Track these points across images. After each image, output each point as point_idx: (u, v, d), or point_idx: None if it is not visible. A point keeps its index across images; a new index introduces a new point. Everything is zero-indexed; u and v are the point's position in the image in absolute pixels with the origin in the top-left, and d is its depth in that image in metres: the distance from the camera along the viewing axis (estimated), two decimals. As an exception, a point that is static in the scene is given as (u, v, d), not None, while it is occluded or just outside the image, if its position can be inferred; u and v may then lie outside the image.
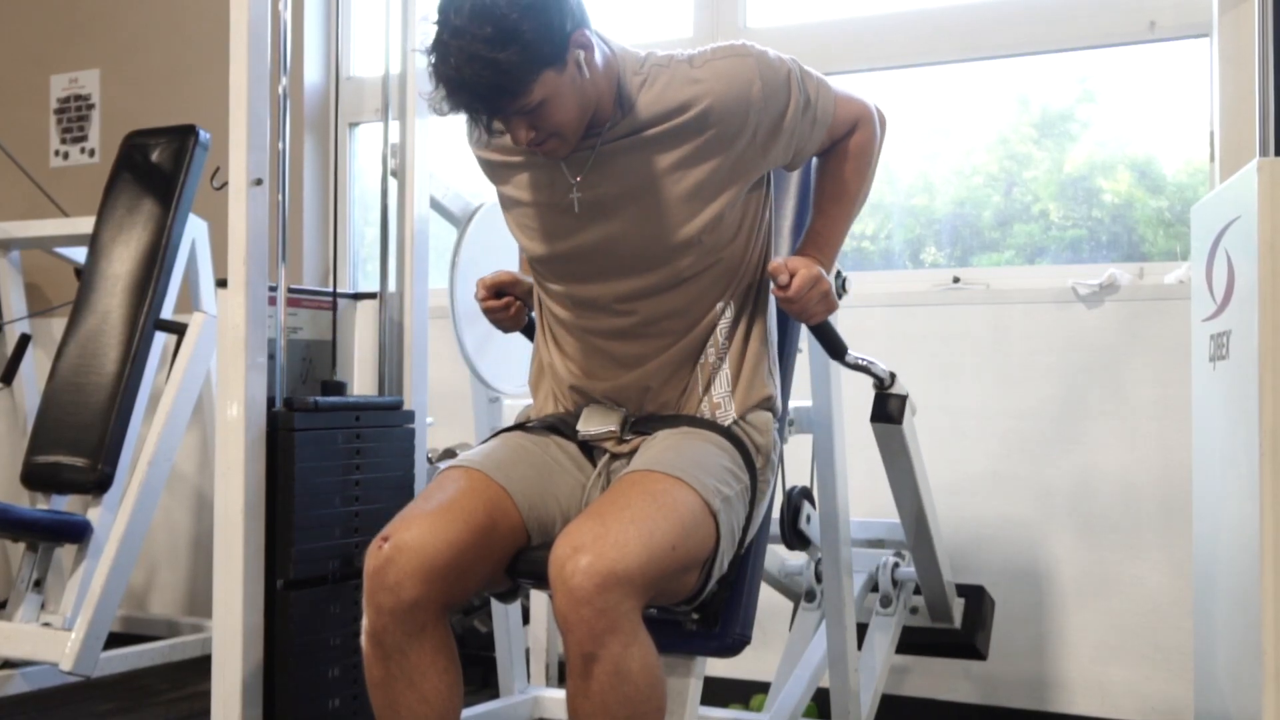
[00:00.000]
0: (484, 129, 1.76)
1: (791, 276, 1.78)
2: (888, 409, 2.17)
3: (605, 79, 1.76)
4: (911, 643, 2.60)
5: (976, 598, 2.62)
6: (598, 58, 1.74)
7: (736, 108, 1.77)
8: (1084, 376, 2.78)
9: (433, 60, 1.65)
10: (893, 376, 2.11)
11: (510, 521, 1.75)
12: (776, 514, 2.15)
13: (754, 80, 1.78)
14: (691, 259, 1.82)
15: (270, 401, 2.25)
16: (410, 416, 2.47)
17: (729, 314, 1.87)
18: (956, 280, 2.95)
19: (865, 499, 2.55)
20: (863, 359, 2.02)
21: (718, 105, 1.77)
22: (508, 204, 1.93)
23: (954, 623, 2.58)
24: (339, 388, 2.46)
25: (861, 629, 2.51)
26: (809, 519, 2.28)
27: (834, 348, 1.97)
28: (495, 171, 1.93)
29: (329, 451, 2.29)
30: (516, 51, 1.61)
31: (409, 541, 1.65)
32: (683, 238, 1.80)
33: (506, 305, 1.99)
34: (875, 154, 1.96)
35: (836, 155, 1.93)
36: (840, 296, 2.21)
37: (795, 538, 2.27)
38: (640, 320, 1.85)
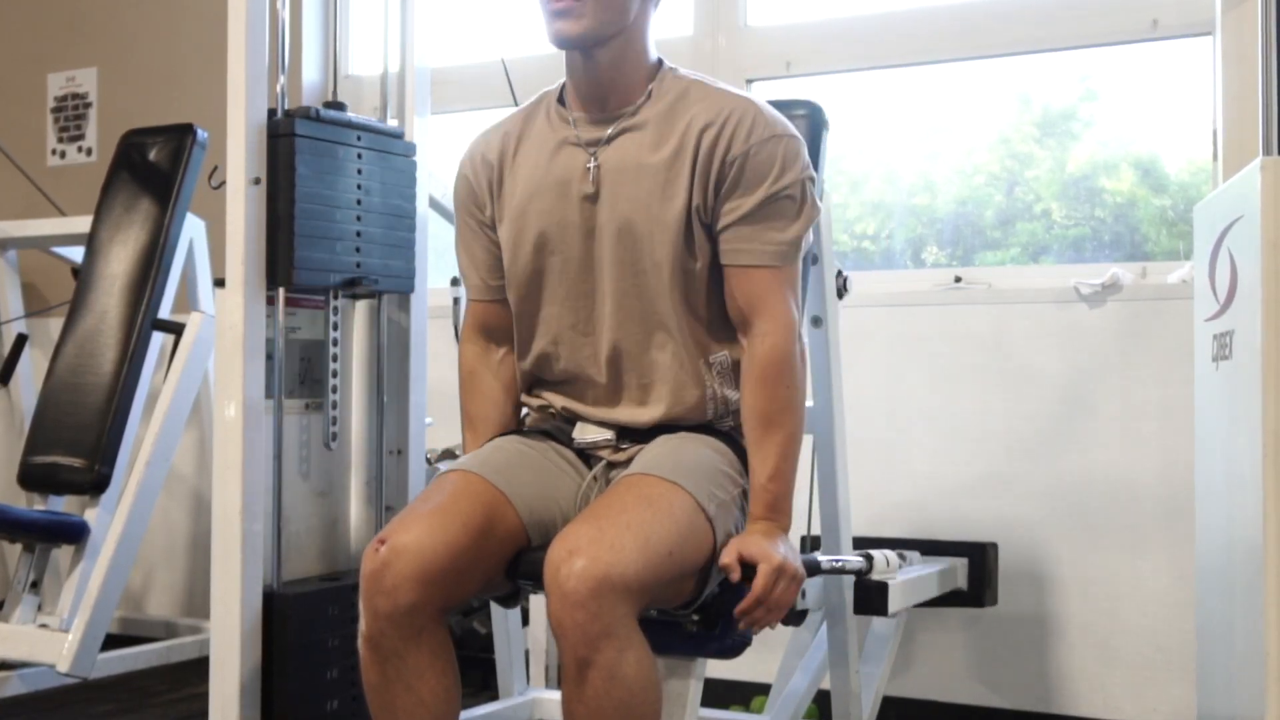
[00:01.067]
0: None
1: (746, 572, 1.65)
2: (872, 603, 2.05)
3: (643, 41, 1.81)
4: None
5: (979, 555, 2.60)
6: (647, 31, 1.80)
7: (719, 142, 1.76)
8: (1086, 376, 2.77)
9: None
10: (869, 561, 1.97)
11: (508, 525, 1.74)
12: None
13: (755, 137, 1.75)
14: (674, 280, 1.80)
15: (271, 113, 2.22)
16: (412, 149, 2.44)
17: (723, 355, 1.85)
18: (958, 280, 2.95)
19: (865, 505, 2.54)
20: (836, 561, 1.93)
21: (708, 133, 1.76)
22: (510, 211, 1.89)
23: (959, 585, 2.57)
24: (340, 106, 2.42)
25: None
26: (804, 594, 2.21)
27: (806, 568, 1.81)
28: (500, 180, 1.90)
29: (329, 165, 2.24)
30: None
31: (406, 544, 1.64)
32: (666, 254, 1.79)
33: None
34: (794, 378, 1.76)
35: (751, 380, 1.77)
36: (841, 296, 2.20)
37: (791, 615, 2.20)
38: (629, 349, 1.83)
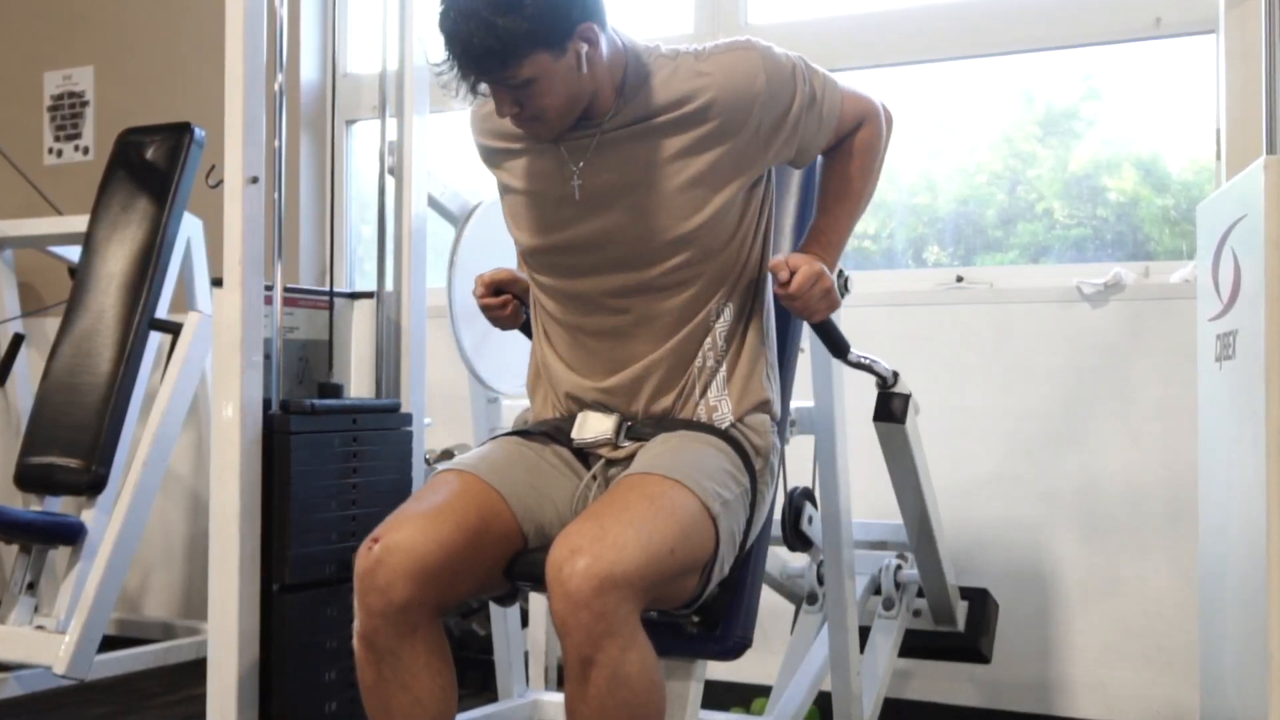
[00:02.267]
0: (469, 89, 1.72)
1: (792, 274, 1.75)
2: (891, 408, 2.15)
3: (608, 72, 1.76)
4: (914, 646, 2.58)
5: (980, 601, 2.60)
6: (604, 51, 1.73)
7: (740, 101, 1.76)
8: (1088, 376, 2.76)
9: (440, 8, 1.67)
10: (895, 375, 2.08)
11: (504, 524, 1.73)
12: (778, 515, 2.13)
13: (758, 74, 1.76)
14: (687, 255, 1.80)
15: (266, 404, 2.23)
16: (408, 419, 2.45)
17: (725, 315, 1.85)
18: (960, 279, 2.94)
19: (867, 500, 2.53)
20: (865, 357, 1.99)
21: (721, 97, 1.76)
22: (504, 191, 1.92)
23: (957, 626, 2.56)
24: (335, 390, 2.44)
25: (864, 631, 2.49)
26: (810, 520, 2.26)
27: (836, 346, 1.94)
28: (493, 157, 1.91)
29: (325, 455, 2.26)
30: (515, 22, 1.62)
31: (399, 542, 1.64)
32: (680, 232, 1.78)
33: (504, 304, 1.97)
34: (881, 152, 1.93)
35: (841, 153, 1.91)
36: (842, 296, 2.19)
37: (797, 539, 2.25)
38: (633, 320, 1.83)
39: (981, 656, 2.59)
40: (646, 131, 1.77)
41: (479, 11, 1.62)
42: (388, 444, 2.39)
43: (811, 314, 1.84)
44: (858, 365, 2.02)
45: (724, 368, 1.85)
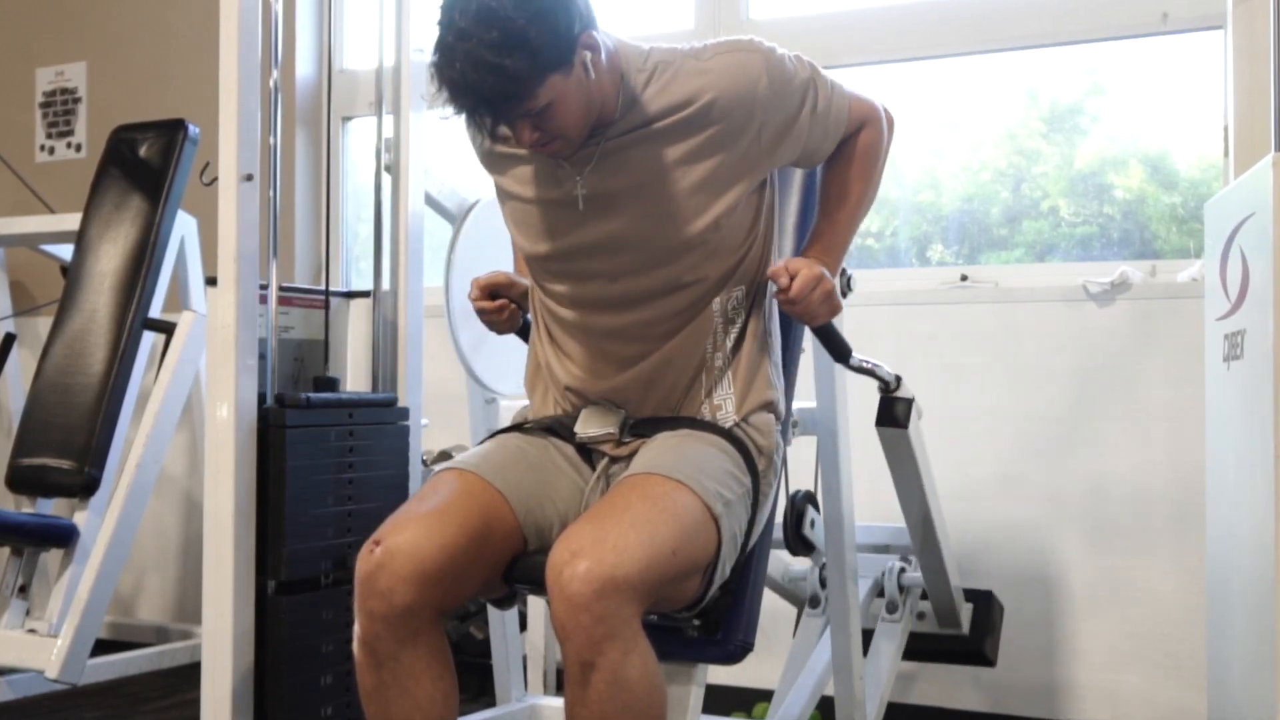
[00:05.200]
0: (487, 133, 1.72)
1: (792, 278, 1.73)
2: (894, 413, 2.12)
3: (610, 77, 1.73)
4: (919, 649, 2.56)
5: (985, 603, 2.58)
6: (603, 57, 1.70)
7: (742, 104, 1.73)
8: (1095, 376, 2.74)
9: (436, 61, 1.61)
10: (898, 379, 2.05)
11: (506, 525, 1.71)
12: (780, 519, 2.11)
13: (760, 77, 1.74)
14: (695, 258, 1.78)
15: (261, 398, 2.21)
16: (405, 414, 2.43)
17: (732, 315, 1.83)
18: (964, 278, 2.92)
19: (870, 502, 2.52)
20: (868, 362, 1.96)
21: (723, 100, 1.73)
22: (506, 198, 1.88)
23: (962, 628, 2.54)
24: (331, 384, 2.42)
25: (867, 635, 2.47)
26: (813, 524, 2.24)
27: (838, 351, 1.90)
28: (495, 163, 1.88)
29: (321, 449, 2.24)
30: (523, 58, 1.58)
31: (402, 545, 1.61)
32: (687, 235, 1.76)
33: (501, 308, 1.94)
34: (882, 156, 1.90)
35: (842, 157, 1.88)
36: (845, 295, 2.16)
37: (799, 543, 2.24)
38: (640, 320, 1.81)
39: (986, 660, 2.56)
40: (649, 137, 1.75)
41: (483, 58, 1.57)
42: (384, 439, 2.36)
43: (813, 319, 1.81)
44: (860, 370, 1.99)
45: (730, 367, 1.83)
